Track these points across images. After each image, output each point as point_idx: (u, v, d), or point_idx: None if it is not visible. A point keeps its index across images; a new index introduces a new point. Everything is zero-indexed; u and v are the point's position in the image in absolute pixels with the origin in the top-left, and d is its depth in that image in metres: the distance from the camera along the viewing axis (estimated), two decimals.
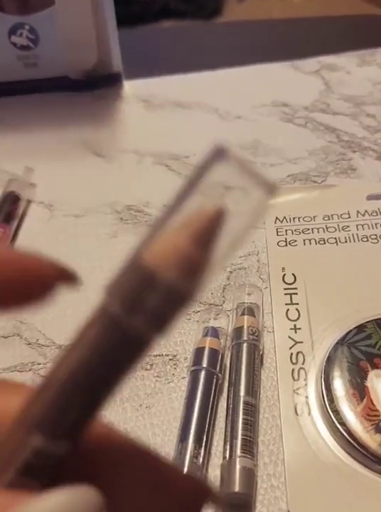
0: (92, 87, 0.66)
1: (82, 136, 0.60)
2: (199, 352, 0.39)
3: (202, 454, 0.34)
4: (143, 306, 0.14)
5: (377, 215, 0.48)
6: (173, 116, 0.63)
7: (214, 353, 0.39)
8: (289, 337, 0.40)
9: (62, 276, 0.17)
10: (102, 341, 0.15)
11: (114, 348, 0.15)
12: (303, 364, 0.39)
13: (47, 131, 0.61)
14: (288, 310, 0.42)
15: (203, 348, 0.39)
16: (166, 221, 0.15)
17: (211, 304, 0.44)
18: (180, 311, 0.15)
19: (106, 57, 0.64)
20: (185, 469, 0.33)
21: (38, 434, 0.15)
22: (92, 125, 0.62)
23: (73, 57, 0.62)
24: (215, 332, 0.40)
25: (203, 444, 0.34)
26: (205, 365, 0.38)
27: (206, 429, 0.35)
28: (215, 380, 0.38)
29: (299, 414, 0.36)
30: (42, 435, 0.15)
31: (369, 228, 0.47)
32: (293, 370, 0.39)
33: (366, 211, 0.49)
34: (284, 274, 0.44)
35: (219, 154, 0.15)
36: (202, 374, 0.37)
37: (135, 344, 0.15)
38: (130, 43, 0.69)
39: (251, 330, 0.39)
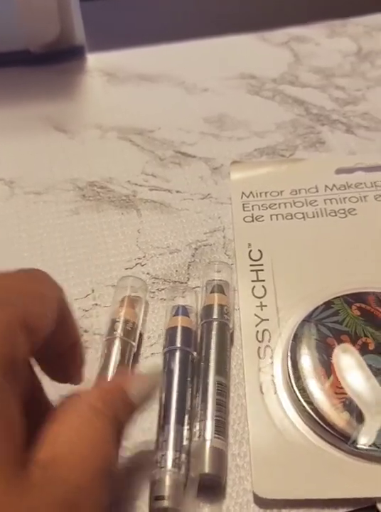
0: (53, 61, 0.64)
1: (43, 111, 0.58)
2: (172, 332, 0.38)
3: (186, 435, 0.33)
4: None
5: (345, 188, 0.47)
6: (138, 89, 0.61)
7: (187, 332, 0.38)
8: (255, 314, 0.39)
9: None
10: None
11: None
12: (269, 342, 0.38)
13: (7, 106, 0.59)
14: (254, 287, 0.41)
15: (175, 327, 0.38)
16: None
17: (176, 282, 0.42)
18: None
19: (68, 30, 0.62)
20: (170, 451, 0.32)
21: None
22: (55, 100, 0.60)
23: (33, 29, 0.60)
24: (185, 310, 0.39)
25: (185, 425, 0.34)
26: (179, 344, 0.37)
27: (187, 410, 0.34)
28: (190, 360, 0.37)
29: (265, 393, 0.36)
30: None
31: (337, 203, 0.46)
32: (259, 348, 0.38)
33: (334, 185, 0.48)
34: (250, 251, 0.43)
35: None
36: (177, 354, 0.36)
37: None
38: (93, 14, 0.67)
39: (222, 308, 0.38)
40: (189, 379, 0.36)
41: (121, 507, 0.32)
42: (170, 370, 0.36)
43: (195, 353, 0.37)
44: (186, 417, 0.34)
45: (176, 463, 0.32)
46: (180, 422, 0.34)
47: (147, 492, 0.32)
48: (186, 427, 0.33)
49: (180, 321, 0.38)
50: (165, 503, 0.30)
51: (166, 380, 0.35)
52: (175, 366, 0.36)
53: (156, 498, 0.31)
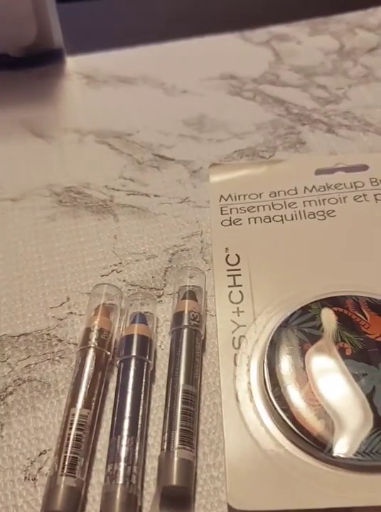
0: (32, 65, 0.63)
1: (21, 116, 0.58)
2: (128, 340, 0.37)
3: (138, 447, 0.33)
4: None
5: (324, 190, 0.47)
6: (117, 92, 0.61)
7: (143, 340, 0.37)
8: (232, 320, 0.39)
9: None
10: None
11: None
12: (245, 348, 0.37)
13: None
14: (231, 292, 0.40)
15: (132, 335, 0.37)
16: None
17: (152, 288, 0.42)
18: None
19: (46, 33, 0.61)
20: (122, 463, 0.32)
21: None
22: (33, 104, 0.59)
23: (10, 33, 0.59)
24: (142, 318, 0.38)
25: (138, 436, 0.33)
26: (134, 353, 0.36)
27: (141, 420, 0.34)
28: (145, 368, 0.36)
29: (240, 401, 0.35)
30: None
31: (316, 204, 0.46)
32: (235, 355, 0.37)
33: (313, 186, 0.47)
34: (228, 255, 0.43)
35: None
36: (133, 363, 0.36)
37: None
38: (71, 17, 0.67)
39: (192, 315, 0.38)
40: (144, 388, 0.35)
41: None
42: (125, 380, 0.35)
43: (150, 362, 0.37)
44: (140, 428, 0.34)
45: (128, 476, 0.31)
46: (133, 433, 0.33)
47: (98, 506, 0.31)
48: (139, 438, 0.33)
49: (136, 329, 0.37)
50: None
51: (121, 389, 0.35)
52: (129, 375, 0.35)
53: None
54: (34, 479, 0.33)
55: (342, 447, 0.32)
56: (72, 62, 0.65)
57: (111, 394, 0.36)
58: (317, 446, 0.32)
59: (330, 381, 0.34)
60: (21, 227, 0.47)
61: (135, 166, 0.52)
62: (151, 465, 0.33)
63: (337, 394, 0.34)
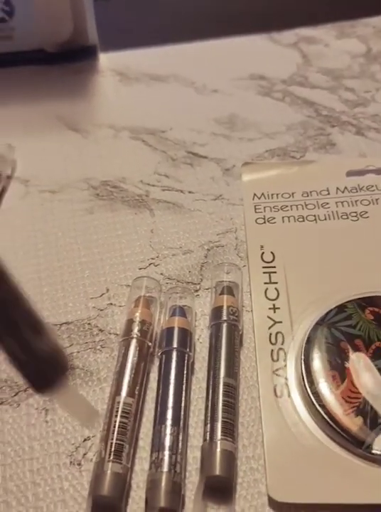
0: (67, 60, 0.64)
1: (57, 110, 0.59)
2: (169, 332, 0.38)
3: (181, 436, 0.34)
4: None
5: (356, 191, 0.48)
6: (149, 89, 0.62)
7: (183, 333, 0.38)
8: (268, 317, 0.40)
9: None
10: None
11: None
12: (282, 344, 0.38)
13: (22, 105, 0.60)
14: (267, 289, 0.41)
15: (172, 328, 0.38)
16: None
17: (189, 282, 0.43)
18: None
19: (82, 29, 0.62)
20: (167, 451, 0.33)
21: None
22: (68, 99, 0.60)
23: (48, 29, 0.60)
24: (182, 311, 0.39)
25: (181, 426, 0.34)
26: (175, 345, 0.37)
27: (183, 411, 0.35)
28: (186, 360, 0.37)
29: (279, 396, 0.36)
30: None
31: (348, 205, 0.47)
32: (272, 350, 0.38)
33: (346, 188, 0.48)
34: (263, 253, 0.44)
35: None
36: (174, 354, 0.37)
37: None
38: (106, 15, 0.68)
39: (231, 310, 0.39)
40: (185, 380, 0.36)
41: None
42: (166, 371, 0.36)
43: (191, 354, 0.38)
44: (182, 418, 0.34)
45: (172, 464, 0.32)
46: (176, 422, 0.34)
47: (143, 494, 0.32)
48: (182, 427, 0.34)
49: (177, 322, 0.38)
50: (161, 506, 0.31)
51: (163, 380, 0.36)
52: (171, 367, 0.36)
53: (151, 500, 0.31)
54: (79, 464, 0.34)
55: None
56: (105, 59, 0.66)
57: (151, 384, 0.37)
58: (355, 442, 0.33)
59: (368, 379, 0.35)
60: (60, 219, 0.48)
61: (169, 163, 0.53)
62: (192, 455, 0.34)
63: (375, 392, 0.35)
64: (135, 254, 0.45)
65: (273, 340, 0.39)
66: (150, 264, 0.44)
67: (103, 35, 0.66)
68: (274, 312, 0.40)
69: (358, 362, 0.36)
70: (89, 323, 0.41)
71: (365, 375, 0.36)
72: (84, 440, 0.35)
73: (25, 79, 0.63)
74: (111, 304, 0.42)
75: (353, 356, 0.36)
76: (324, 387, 0.35)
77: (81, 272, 0.44)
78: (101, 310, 0.41)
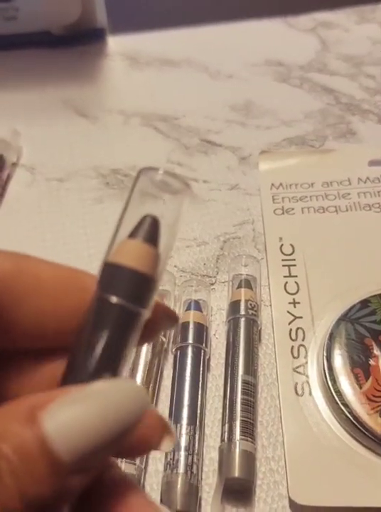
0: (74, 43, 0.62)
1: (64, 95, 0.57)
2: (184, 327, 0.36)
3: (197, 436, 0.32)
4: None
5: (379, 181, 0.46)
6: (161, 74, 0.59)
7: (199, 328, 0.36)
8: (288, 312, 0.38)
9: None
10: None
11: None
12: (303, 341, 0.37)
13: (27, 89, 0.58)
14: (286, 283, 0.39)
15: (188, 322, 0.36)
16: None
17: (204, 275, 0.41)
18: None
19: (90, 11, 0.60)
20: (182, 452, 0.31)
21: None
22: (75, 83, 0.58)
23: (55, 10, 0.58)
24: (197, 305, 0.37)
25: (197, 425, 0.32)
26: (191, 340, 0.36)
27: (199, 409, 0.33)
28: (202, 356, 0.35)
29: (300, 394, 0.34)
30: None
31: (371, 196, 0.45)
32: (292, 347, 0.36)
33: (368, 178, 0.46)
34: (282, 245, 0.42)
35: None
36: (189, 350, 0.35)
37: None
38: None
39: (250, 304, 0.37)
40: (201, 377, 0.35)
41: None
42: (182, 367, 0.35)
43: (207, 350, 0.36)
44: (199, 416, 0.33)
45: (189, 465, 0.31)
46: (192, 422, 0.32)
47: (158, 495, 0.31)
48: (198, 427, 0.33)
49: (192, 316, 0.37)
50: (177, 509, 0.30)
51: (178, 378, 0.34)
52: (187, 363, 0.35)
53: (166, 503, 0.30)
54: None
55: None
56: (113, 42, 0.64)
57: (165, 381, 0.35)
58: (380, 443, 0.31)
59: None
60: (68, 208, 0.46)
61: (182, 151, 0.51)
62: (209, 455, 0.32)
63: None
64: None
65: (293, 337, 0.37)
66: None
67: (112, 18, 0.63)
68: (294, 307, 0.38)
69: None
70: None
71: None
72: None
73: (30, 62, 0.61)
74: None
75: (378, 353, 0.35)
76: (347, 386, 0.34)
77: (90, 263, 0.42)
78: None
